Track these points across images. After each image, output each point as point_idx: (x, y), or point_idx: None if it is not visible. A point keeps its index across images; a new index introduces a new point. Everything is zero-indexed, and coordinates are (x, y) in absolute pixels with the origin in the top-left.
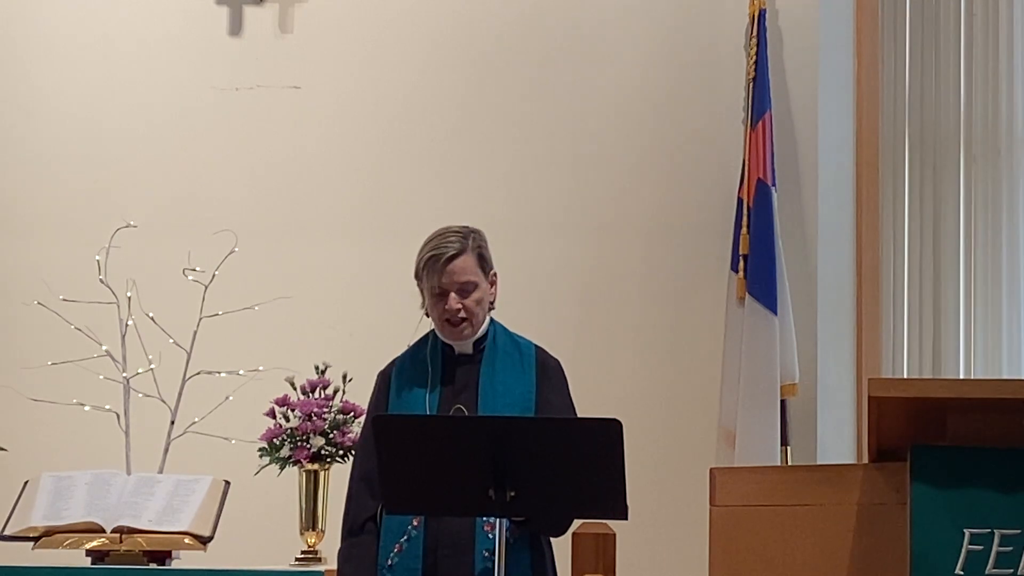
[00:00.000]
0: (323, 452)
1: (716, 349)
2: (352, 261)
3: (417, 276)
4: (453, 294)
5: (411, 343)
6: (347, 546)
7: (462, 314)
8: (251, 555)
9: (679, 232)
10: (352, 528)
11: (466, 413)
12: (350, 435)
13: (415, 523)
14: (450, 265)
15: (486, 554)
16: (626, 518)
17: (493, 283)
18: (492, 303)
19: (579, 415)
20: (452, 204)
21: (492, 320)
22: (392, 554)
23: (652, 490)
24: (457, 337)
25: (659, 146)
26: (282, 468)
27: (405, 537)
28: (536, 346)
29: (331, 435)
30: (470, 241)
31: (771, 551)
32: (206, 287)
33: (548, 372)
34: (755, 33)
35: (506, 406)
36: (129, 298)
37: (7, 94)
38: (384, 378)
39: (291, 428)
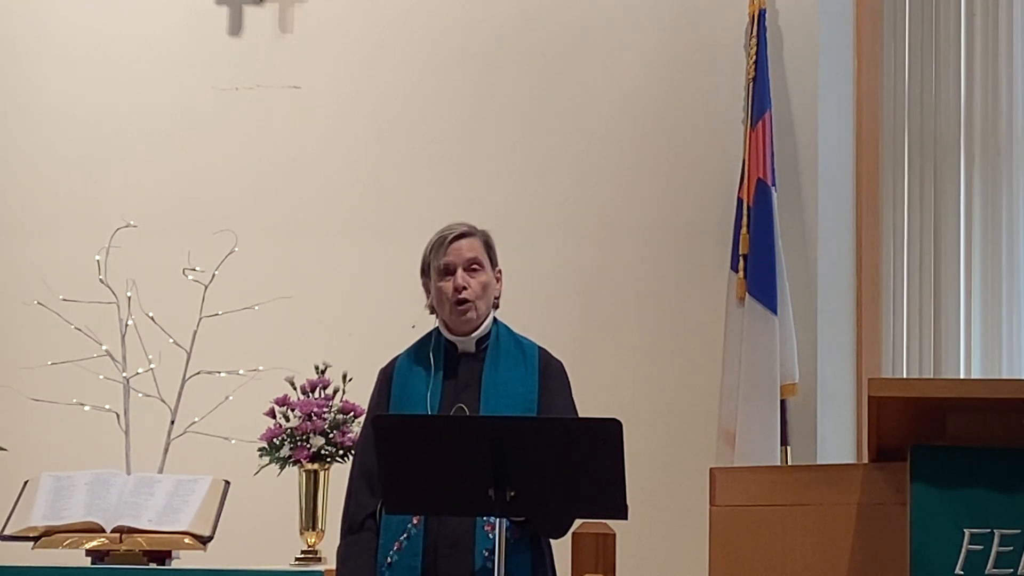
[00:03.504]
0: (323, 452)
1: (716, 349)
2: (352, 261)
3: (424, 265)
4: (460, 270)
5: (409, 337)
6: (346, 543)
7: (468, 293)
8: (251, 555)
9: (679, 232)
10: (352, 525)
11: (467, 411)
12: (350, 435)
13: (415, 521)
14: (457, 243)
15: (486, 553)
16: (626, 518)
17: (498, 279)
18: (497, 299)
19: (579, 415)
20: (452, 204)
21: (496, 320)
22: (392, 552)
23: (652, 490)
24: (461, 322)
25: (659, 146)
26: (282, 468)
27: (405, 535)
28: (539, 347)
29: (331, 435)
30: (478, 231)
31: (771, 551)
32: (206, 287)
33: (551, 373)
34: (755, 33)
35: (508, 406)
36: (129, 298)
37: (7, 94)
38: (386, 375)
39: (291, 428)
